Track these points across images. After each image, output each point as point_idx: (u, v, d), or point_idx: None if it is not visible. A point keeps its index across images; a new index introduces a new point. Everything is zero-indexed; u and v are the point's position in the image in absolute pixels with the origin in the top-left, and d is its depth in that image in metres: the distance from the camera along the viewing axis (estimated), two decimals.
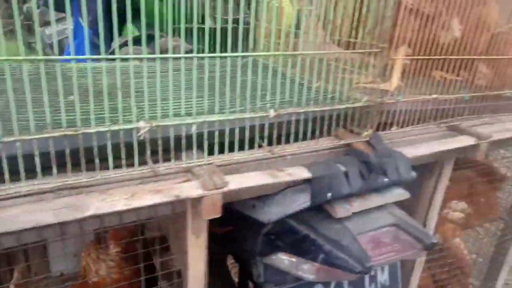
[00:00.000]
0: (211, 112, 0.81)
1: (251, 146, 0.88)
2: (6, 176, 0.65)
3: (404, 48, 1.21)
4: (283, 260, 1.00)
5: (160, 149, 0.77)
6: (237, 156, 0.86)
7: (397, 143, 1.07)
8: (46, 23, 1.59)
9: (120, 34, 1.55)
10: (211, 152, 0.84)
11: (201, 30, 0.74)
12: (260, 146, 0.91)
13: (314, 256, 0.93)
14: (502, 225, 1.64)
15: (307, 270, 0.98)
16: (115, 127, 0.71)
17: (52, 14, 0.68)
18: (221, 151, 0.85)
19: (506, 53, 1.41)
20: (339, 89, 0.96)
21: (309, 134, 0.98)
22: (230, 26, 0.80)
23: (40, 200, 0.69)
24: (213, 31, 0.73)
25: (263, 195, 0.95)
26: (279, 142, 0.94)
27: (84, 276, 1.05)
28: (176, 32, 0.85)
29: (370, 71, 0.96)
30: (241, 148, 0.87)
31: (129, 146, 0.73)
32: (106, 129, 0.70)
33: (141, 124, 0.73)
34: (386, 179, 0.95)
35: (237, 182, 0.79)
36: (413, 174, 1.00)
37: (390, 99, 1.03)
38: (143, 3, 0.65)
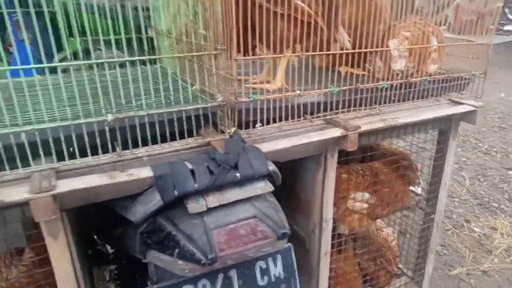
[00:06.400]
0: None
1: (97, 152, 0.94)
2: None
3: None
4: (158, 258, 1.05)
5: None
6: (80, 161, 0.92)
7: (259, 140, 1.11)
8: None
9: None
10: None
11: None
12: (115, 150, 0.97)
13: (172, 251, 0.98)
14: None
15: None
16: None
17: None
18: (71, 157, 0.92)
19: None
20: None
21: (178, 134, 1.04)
22: None
23: None
24: None
25: (133, 195, 1.00)
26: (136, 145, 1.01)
27: None
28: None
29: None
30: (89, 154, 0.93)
31: None
32: None
33: None
34: (238, 174, 0.99)
35: (68, 185, 0.85)
36: (270, 167, 1.04)
37: (246, 98, 1.08)
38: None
